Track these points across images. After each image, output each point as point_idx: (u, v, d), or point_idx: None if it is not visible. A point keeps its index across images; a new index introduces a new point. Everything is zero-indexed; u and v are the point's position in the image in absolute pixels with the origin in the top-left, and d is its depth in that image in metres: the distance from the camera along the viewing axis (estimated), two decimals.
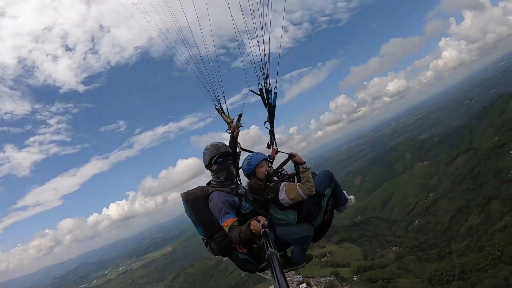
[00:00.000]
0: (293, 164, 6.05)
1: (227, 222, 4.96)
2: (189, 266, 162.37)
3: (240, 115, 6.55)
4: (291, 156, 5.92)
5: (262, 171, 5.91)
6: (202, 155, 5.68)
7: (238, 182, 6.00)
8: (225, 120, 6.70)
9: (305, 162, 5.82)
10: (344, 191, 6.91)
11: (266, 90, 6.26)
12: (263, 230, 4.29)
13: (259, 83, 6.24)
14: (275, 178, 6.08)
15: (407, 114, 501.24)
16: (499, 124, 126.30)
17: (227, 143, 6.17)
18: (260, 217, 4.68)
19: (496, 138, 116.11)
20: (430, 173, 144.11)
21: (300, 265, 6.33)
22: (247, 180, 6.13)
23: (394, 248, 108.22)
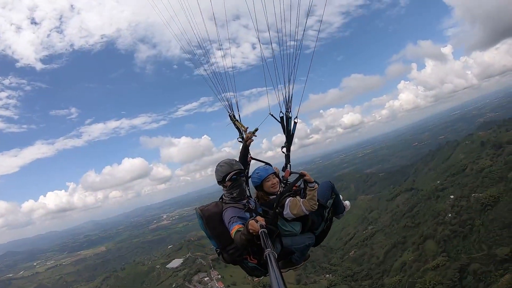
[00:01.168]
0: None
1: (234, 228, 5.07)
2: (121, 270, 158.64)
3: (256, 129, 6.77)
4: (301, 176, 5.97)
5: (268, 185, 6.13)
6: (215, 171, 5.87)
7: (249, 194, 6.24)
8: (238, 127, 6.96)
9: (314, 181, 5.90)
10: (340, 196, 7.07)
11: (287, 118, 6.49)
12: (261, 230, 4.31)
13: (281, 111, 6.50)
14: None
15: (357, 147, 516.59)
16: (443, 169, 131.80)
17: (237, 156, 6.57)
18: (258, 217, 4.71)
19: (438, 182, 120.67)
20: (371, 207, 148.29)
21: (299, 264, 6.47)
22: (255, 191, 6.37)
23: (328, 275, 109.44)
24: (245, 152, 6.59)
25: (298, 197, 6.02)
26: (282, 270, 6.66)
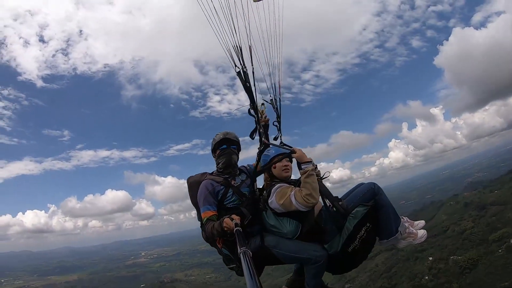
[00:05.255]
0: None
1: (206, 214, 4.89)
2: None
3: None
4: (290, 152, 5.02)
5: (279, 166, 5.05)
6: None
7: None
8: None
9: (310, 161, 4.76)
10: (406, 219, 5.43)
11: (275, 99, 6.18)
12: (236, 228, 4.13)
13: (270, 95, 6.31)
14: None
15: None
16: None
17: None
18: (233, 216, 4.49)
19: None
20: None
21: None
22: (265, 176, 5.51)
23: None
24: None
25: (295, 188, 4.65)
26: None
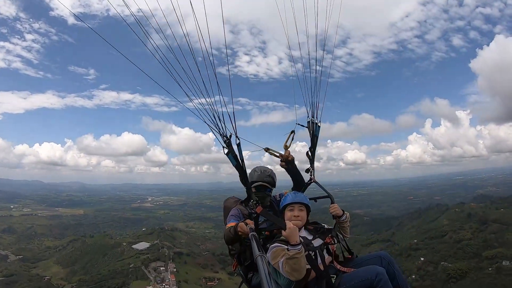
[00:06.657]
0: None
1: (230, 224, 5.15)
2: (90, 237, 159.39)
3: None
4: (281, 227, 4.41)
5: (288, 215, 5.00)
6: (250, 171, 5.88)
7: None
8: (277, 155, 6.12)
9: (298, 244, 4.16)
10: None
11: (313, 123, 6.17)
12: (251, 233, 4.27)
13: (308, 116, 6.19)
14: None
15: (354, 185, 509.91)
16: (424, 230, 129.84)
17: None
18: (248, 220, 4.80)
19: (415, 241, 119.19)
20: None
21: None
22: None
23: None
24: (291, 174, 6.12)
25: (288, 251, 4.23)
26: None
